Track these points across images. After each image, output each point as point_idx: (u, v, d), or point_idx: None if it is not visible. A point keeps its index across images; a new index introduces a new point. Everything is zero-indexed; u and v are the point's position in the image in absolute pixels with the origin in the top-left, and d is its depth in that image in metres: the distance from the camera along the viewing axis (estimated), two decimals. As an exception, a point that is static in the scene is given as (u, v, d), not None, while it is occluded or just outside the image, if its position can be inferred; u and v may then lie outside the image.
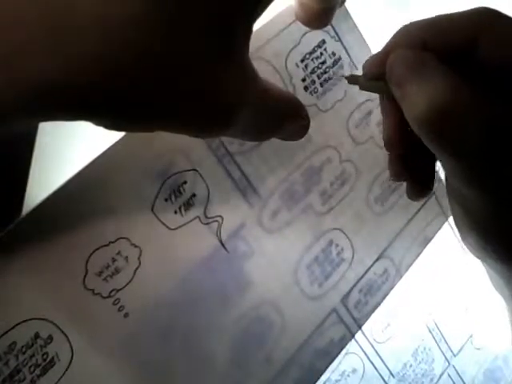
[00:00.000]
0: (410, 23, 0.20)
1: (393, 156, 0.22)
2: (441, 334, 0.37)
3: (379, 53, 0.20)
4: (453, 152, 0.17)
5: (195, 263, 0.25)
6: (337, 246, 0.29)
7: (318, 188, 0.29)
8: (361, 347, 0.33)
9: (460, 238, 0.20)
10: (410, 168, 0.22)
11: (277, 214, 0.27)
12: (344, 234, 0.30)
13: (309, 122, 0.22)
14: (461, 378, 0.38)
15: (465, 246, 0.21)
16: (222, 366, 0.26)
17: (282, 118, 0.20)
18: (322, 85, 0.28)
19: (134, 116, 0.15)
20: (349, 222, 0.30)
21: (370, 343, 0.33)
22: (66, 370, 0.22)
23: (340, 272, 0.30)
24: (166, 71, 0.14)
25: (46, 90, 0.12)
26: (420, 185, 0.23)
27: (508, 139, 0.16)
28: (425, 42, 0.19)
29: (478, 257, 0.20)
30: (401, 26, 0.20)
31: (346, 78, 0.22)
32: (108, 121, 0.15)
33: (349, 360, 0.32)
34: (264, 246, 0.27)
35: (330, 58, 0.28)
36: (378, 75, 0.20)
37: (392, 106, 0.20)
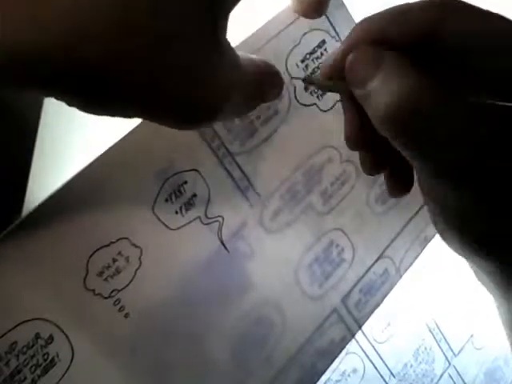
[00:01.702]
0: (368, 17, 0.19)
1: (360, 154, 0.22)
2: (441, 333, 0.37)
3: (337, 50, 0.20)
4: (419, 150, 0.16)
5: (196, 263, 0.25)
6: (337, 246, 0.29)
7: (319, 188, 0.29)
8: (361, 347, 0.33)
9: (439, 235, 0.20)
10: (382, 164, 0.22)
11: (278, 214, 0.27)
12: (344, 233, 0.30)
13: (282, 81, 0.21)
14: (461, 378, 0.38)
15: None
16: (222, 365, 0.26)
17: (265, 90, 0.20)
18: None
19: (105, 94, 0.14)
20: (349, 222, 0.30)
21: (371, 343, 0.33)
22: (67, 370, 0.22)
23: (340, 272, 0.30)
24: (143, 46, 0.13)
25: (19, 57, 0.12)
26: (398, 181, 0.22)
27: (471, 133, 0.16)
28: (384, 34, 0.18)
29: (458, 253, 0.19)
30: (359, 21, 0.19)
31: (303, 80, 0.21)
32: (80, 98, 0.14)
33: (349, 360, 0.32)
34: (265, 246, 0.27)
35: None
36: (337, 74, 0.19)
37: (352, 105, 0.20)
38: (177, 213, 0.24)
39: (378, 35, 0.18)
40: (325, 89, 0.21)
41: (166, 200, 0.24)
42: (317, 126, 0.28)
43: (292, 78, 0.27)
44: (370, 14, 0.19)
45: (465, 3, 0.17)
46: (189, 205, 0.24)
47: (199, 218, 0.25)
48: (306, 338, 0.28)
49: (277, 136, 0.27)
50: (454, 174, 0.16)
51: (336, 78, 0.19)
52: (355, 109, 0.19)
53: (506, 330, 0.21)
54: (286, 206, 0.28)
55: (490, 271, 0.18)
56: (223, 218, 0.25)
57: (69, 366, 0.22)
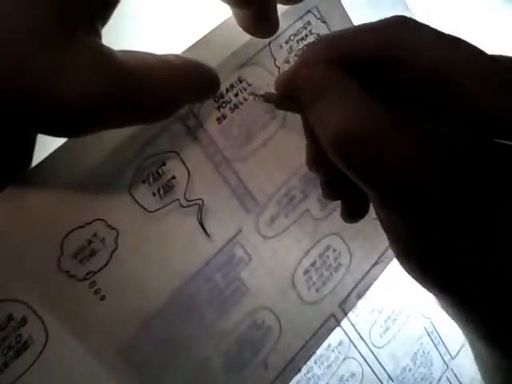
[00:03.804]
0: (322, 37, 0.19)
1: (320, 177, 0.21)
2: (439, 337, 0.37)
3: (290, 70, 0.19)
4: (361, 179, 0.16)
5: (175, 247, 0.24)
6: (334, 250, 0.29)
7: (316, 193, 0.28)
8: (359, 352, 0.32)
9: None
10: (340, 189, 0.21)
11: (274, 220, 0.27)
12: (341, 238, 0.30)
13: (205, 80, 0.20)
14: (459, 381, 0.38)
15: None
16: (217, 370, 0.26)
17: (177, 89, 0.19)
18: None
19: None
20: (346, 227, 0.30)
21: (369, 348, 0.33)
22: (41, 353, 0.21)
23: (338, 277, 0.29)
24: None
25: None
26: (353, 207, 0.22)
27: (412, 162, 0.15)
28: (338, 55, 0.17)
29: (426, 289, 0.18)
30: (313, 41, 0.19)
31: (262, 96, 0.21)
32: None
33: (347, 365, 0.32)
34: (261, 251, 0.27)
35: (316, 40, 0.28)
36: (290, 94, 0.19)
37: (309, 126, 0.19)
38: (154, 195, 0.24)
39: (333, 54, 0.17)
40: (283, 108, 0.20)
41: (144, 181, 0.23)
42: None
43: (253, 94, 0.26)
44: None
45: (419, 24, 0.17)
46: (167, 187, 0.24)
47: (178, 200, 0.24)
48: (303, 343, 0.28)
49: (274, 141, 0.27)
50: (393, 204, 0.16)
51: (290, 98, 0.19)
52: (311, 131, 0.18)
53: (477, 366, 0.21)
54: (282, 212, 0.27)
55: (448, 303, 0.18)
56: (203, 201, 0.25)
57: (42, 349, 0.21)
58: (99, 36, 0.17)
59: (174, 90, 0.19)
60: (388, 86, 0.17)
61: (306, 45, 0.27)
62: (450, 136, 0.16)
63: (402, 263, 0.18)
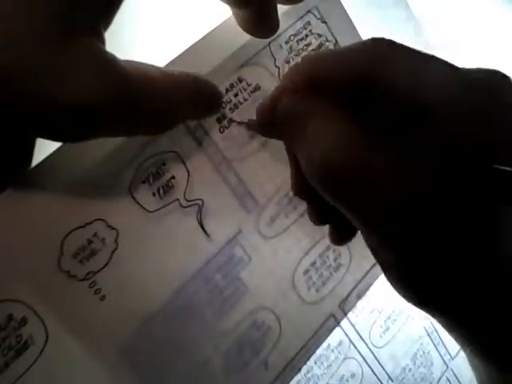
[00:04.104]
0: (302, 60, 0.18)
1: (307, 203, 0.21)
2: (439, 337, 0.37)
3: (270, 98, 0.19)
4: (343, 208, 0.16)
5: (175, 246, 0.24)
6: (334, 251, 0.29)
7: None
8: (359, 352, 0.32)
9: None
10: (327, 214, 0.21)
11: (274, 220, 0.27)
12: (341, 238, 0.30)
13: (207, 98, 0.20)
14: (458, 381, 0.38)
15: None
16: (217, 370, 0.26)
17: (176, 105, 0.18)
18: None
19: None
20: (346, 227, 0.30)
21: (369, 348, 0.33)
22: (41, 352, 0.21)
23: (338, 277, 0.29)
24: None
25: None
26: (341, 231, 0.22)
27: (396, 191, 0.15)
28: (318, 79, 0.17)
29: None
30: (292, 65, 0.18)
31: (246, 123, 0.20)
32: None
33: (347, 365, 0.32)
34: (261, 251, 0.27)
35: (316, 39, 0.28)
36: (271, 122, 0.18)
37: (293, 153, 0.19)
38: (154, 195, 0.24)
39: (313, 77, 0.17)
40: (266, 135, 0.20)
41: (144, 182, 0.23)
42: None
43: (234, 121, 0.25)
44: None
45: (400, 46, 0.16)
46: (167, 187, 0.24)
47: (178, 200, 0.24)
48: (303, 344, 0.28)
49: (274, 142, 0.27)
50: (385, 235, 0.15)
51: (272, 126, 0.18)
52: (294, 157, 0.18)
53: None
54: (282, 212, 0.27)
55: (441, 322, 0.18)
56: (203, 201, 0.25)
57: (43, 349, 0.21)
58: (102, 39, 0.17)
59: (174, 103, 0.19)
60: (369, 108, 0.16)
61: (306, 44, 0.27)
62: (430, 159, 0.16)
63: (395, 289, 0.17)
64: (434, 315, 0.17)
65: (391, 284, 0.17)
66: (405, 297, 0.17)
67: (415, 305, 0.17)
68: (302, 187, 0.21)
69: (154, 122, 0.18)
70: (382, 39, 0.16)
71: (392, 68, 0.16)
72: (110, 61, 0.16)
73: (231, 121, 0.25)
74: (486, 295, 0.15)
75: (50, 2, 0.14)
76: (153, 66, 0.18)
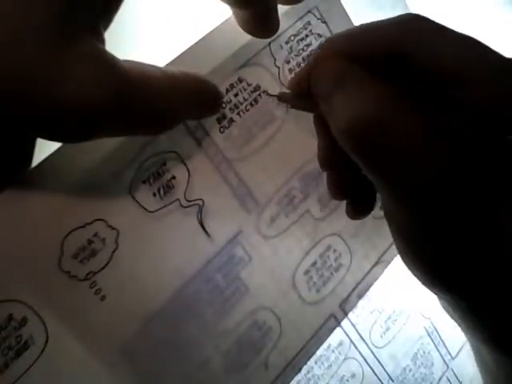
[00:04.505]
0: (336, 35, 0.19)
1: (329, 176, 0.21)
2: (439, 337, 0.37)
3: (304, 67, 0.19)
4: (374, 168, 0.16)
5: (175, 246, 0.24)
6: (335, 251, 0.29)
7: (316, 193, 0.28)
8: (360, 352, 0.32)
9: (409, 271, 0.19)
10: (349, 188, 0.21)
11: (274, 220, 0.27)
12: (342, 239, 0.30)
13: (209, 96, 0.20)
14: (459, 382, 0.37)
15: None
16: (217, 370, 0.26)
17: (177, 103, 0.19)
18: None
19: None
20: (346, 227, 0.30)
21: (369, 348, 0.33)
22: (41, 353, 0.21)
23: (338, 277, 0.29)
24: None
25: None
26: (359, 204, 0.22)
27: (428, 154, 0.15)
28: (353, 52, 0.17)
29: (429, 289, 0.18)
30: (327, 38, 0.19)
31: (277, 96, 0.21)
32: None
33: (348, 365, 0.32)
34: (261, 252, 0.27)
35: (316, 40, 0.28)
36: (305, 92, 0.19)
37: (322, 124, 0.19)
38: (155, 195, 0.24)
39: (347, 50, 0.18)
40: (298, 107, 0.20)
41: (144, 182, 0.23)
42: (314, 132, 0.28)
43: (266, 93, 0.26)
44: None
45: (432, 22, 0.17)
46: (168, 187, 0.24)
47: (178, 200, 0.24)
48: (303, 344, 0.28)
49: (274, 141, 0.27)
50: (408, 198, 0.15)
51: (306, 96, 0.19)
52: (326, 128, 0.18)
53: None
54: (283, 212, 0.27)
55: (449, 302, 0.17)
56: (203, 201, 0.25)
57: (43, 350, 0.21)
58: (102, 39, 0.17)
59: (174, 103, 0.19)
60: (400, 83, 0.17)
61: (306, 44, 0.27)
62: (460, 130, 0.16)
63: (405, 260, 0.17)
64: (440, 291, 0.17)
65: (404, 256, 0.17)
66: (415, 269, 0.17)
67: (424, 280, 0.17)
68: (329, 158, 0.21)
69: (154, 122, 0.18)
70: (418, 15, 0.17)
71: (429, 42, 0.16)
72: (110, 61, 0.16)
73: (265, 92, 0.25)
74: (502, 274, 0.15)
75: (50, 2, 0.14)
76: (153, 65, 0.18)
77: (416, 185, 0.15)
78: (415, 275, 0.17)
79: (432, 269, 0.16)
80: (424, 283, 0.17)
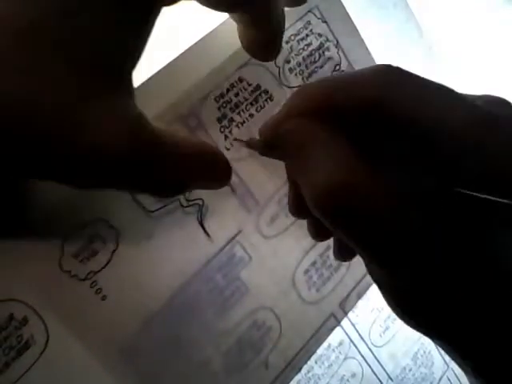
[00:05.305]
0: (309, 84, 0.18)
1: (308, 221, 0.21)
2: (439, 336, 0.37)
3: (274, 118, 0.18)
4: (348, 236, 0.15)
5: (175, 247, 0.24)
6: (335, 250, 0.29)
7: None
8: (359, 352, 0.32)
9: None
10: (327, 232, 0.21)
11: (274, 219, 0.27)
12: (342, 238, 0.30)
13: (218, 166, 0.20)
14: (459, 382, 0.37)
15: None
16: (217, 370, 0.26)
17: (192, 171, 0.19)
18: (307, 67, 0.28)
19: None
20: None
21: (369, 347, 0.33)
22: (42, 353, 0.21)
23: (338, 276, 0.30)
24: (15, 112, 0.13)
25: None
26: (344, 248, 0.21)
27: (397, 220, 0.14)
28: (326, 103, 0.17)
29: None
30: (299, 88, 0.18)
31: (246, 142, 0.20)
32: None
33: (348, 365, 0.32)
34: (261, 251, 0.27)
35: (316, 39, 0.28)
36: (274, 143, 0.18)
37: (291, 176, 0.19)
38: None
39: (320, 101, 0.17)
40: (266, 155, 0.20)
41: None
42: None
43: (236, 140, 0.26)
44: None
45: (410, 74, 0.16)
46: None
47: (178, 200, 0.24)
48: (303, 343, 0.28)
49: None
50: (382, 258, 0.15)
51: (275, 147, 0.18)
52: (294, 180, 0.18)
53: None
54: (282, 211, 0.27)
55: (439, 345, 0.17)
56: (203, 201, 0.25)
57: (43, 349, 0.21)
58: (130, 90, 0.17)
59: (187, 175, 0.19)
60: (371, 136, 0.16)
61: (306, 44, 0.27)
62: (430, 186, 0.16)
63: (396, 314, 0.17)
64: (431, 338, 0.17)
65: (394, 311, 0.17)
66: (406, 323, 0.17)
67: (416, 330, 0.17)
68: (300, 209, 0.21)
69: (160, 188, 0.18)
70: (393, 66, 0.16)
71: (402, 97, 0.16)
72: (135, 117, 0.16)
73: (234, 139, 0.25)
74: (484, 319, 0.15)
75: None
76: (173, 131, 0.18)
77: (390, 249, 0.15)
78: (408, 325, 0.17)
79: (419, 322, 0.16)
80: (415, 330, 0.17)
